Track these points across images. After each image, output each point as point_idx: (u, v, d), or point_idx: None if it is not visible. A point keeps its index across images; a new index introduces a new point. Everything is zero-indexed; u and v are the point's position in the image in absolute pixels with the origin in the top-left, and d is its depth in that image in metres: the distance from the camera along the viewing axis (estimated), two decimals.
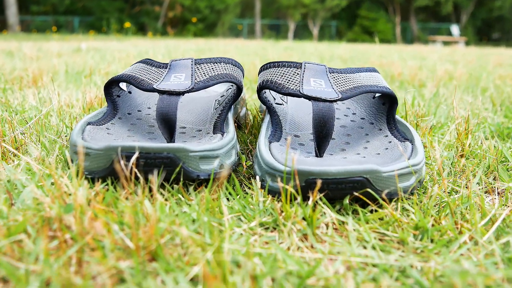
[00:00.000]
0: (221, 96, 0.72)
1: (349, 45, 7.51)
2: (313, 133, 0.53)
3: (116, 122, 0.62)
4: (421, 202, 0.50)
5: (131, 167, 0.46)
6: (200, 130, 0.62)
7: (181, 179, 0.48)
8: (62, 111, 0.87)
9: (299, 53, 3.63)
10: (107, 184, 0.50)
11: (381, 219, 0.45)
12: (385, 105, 0.66)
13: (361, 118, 0.67)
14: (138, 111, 0.67)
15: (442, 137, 0.78)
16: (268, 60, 2.55)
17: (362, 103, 0.70)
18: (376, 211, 0.47)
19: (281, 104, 0.70)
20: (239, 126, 0.78)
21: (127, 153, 0.46)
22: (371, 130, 0.63)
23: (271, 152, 0.52)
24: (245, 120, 0.80)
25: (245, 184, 0.54)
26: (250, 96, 1.19)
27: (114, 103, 0.66)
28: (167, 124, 0.53)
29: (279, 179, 0.47)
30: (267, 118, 0.63)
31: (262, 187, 0.50)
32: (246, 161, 0.57)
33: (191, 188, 0.49)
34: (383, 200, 0.46)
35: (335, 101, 0.54)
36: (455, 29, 14.53)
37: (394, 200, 0.48)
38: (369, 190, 0.46)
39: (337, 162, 0.50)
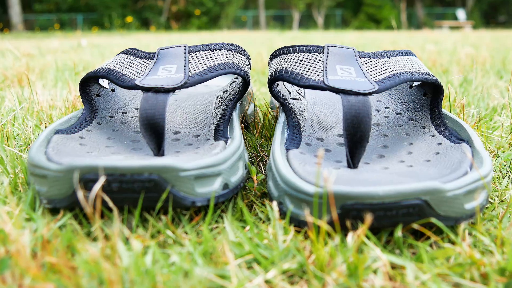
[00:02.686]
0: (224, 92, 0.59)
1: (356, 33, 7.35)
2: (344, 137, 0.40)
3: (94, 128, 0.50)
4: (495, 228, 0.37)
5: (100, 195, 0.34)
6: (198, 136, 0.49)
7: (170, 207, 0.35)
8: (42, 113, 0.74)
9: (308, 42, 3.48)
10: (75, 216, 0.37)
11: (447, 257, 0.32)
12: (427, 96, 0.53)
13: (397, 113, 0.54)
14: (123, 113, 0.55)
15: (489, 132, 0.64)
16: None
17: (396, 94, 0.57)
18: (437, 244, 0.34)
19: (298, 99, 0.57)
20: (246, 127, 0.65)
21: (93, 176, 0.33)
22: (412, 128, 0.50)
23: (289, 164, 0.40)
24: (253, 118, 0.67)
25: (256, 205, 0.42)
26: (258, 90, 1.06)
27: (92, 104, 0.53)
28: (153, 130, 0.41)
29: (306, 211, 0.34)
30: (282, 117, 0.51)
31: (281, 212, 0.37)
32: (257, 175, 0.45)
33: (184, 219, 0.36)
34: (442, 226, 0.34)
35: (371, 93, 0.42)
36: (461, 13, 14.30)
37: (453, 226, 0.36)
38: (427, 214, 0.33)
39: (379, 176, 0.38)
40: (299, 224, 0.35)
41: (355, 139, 0.40)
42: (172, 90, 0.42)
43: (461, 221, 0.35)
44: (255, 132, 0.62)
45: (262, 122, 0.66)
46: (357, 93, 0.41)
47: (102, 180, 0.32)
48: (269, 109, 0.69)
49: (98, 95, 0.55)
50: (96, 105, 0.54)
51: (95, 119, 0.52)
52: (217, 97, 0.58)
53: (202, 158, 0.38)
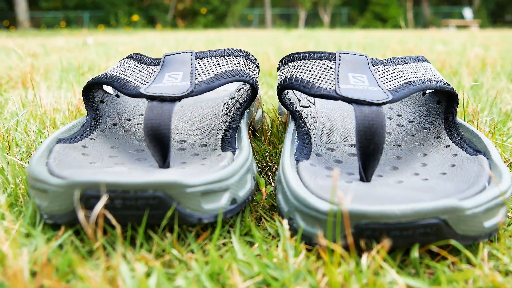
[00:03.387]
0: (231, 98, 0.57)
1: (363, 32, 7.31)
2: (357, 149, 0.39)
3: (97, 136, 0.48)
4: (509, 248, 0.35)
5: (103, 213, 0.32)
6: (205, 145, 0.47)
7: (176, 225, 0.34)
8: (46, 117, 0.73)
9: (314, 41, 3.46)
10: (77, 232, 0.36)
11: (465, 280, 0.31)
12: (441, 104, 0.52)
13: (410, 122, 0.52)
14: (127, 120, 0.53)
15: (504, 139, 0.63)
16: (282, 50, 2.39)
17: (409, 102, 0.56)
18: (455, 264, 0.33)
19: (307, 107, 0.55)
20: (253, 134, 0.63)
21: (94, 193, 0.32)
22: (426, 138, 0.49)
23: (300, 177, 0.38)
24: (261, 125, 0.65)
25: (265, 219, 0.40)
26: (265, 93, 1.04)
27: (96, 111, 0.52)
28: (159, 142, 0.39)
29: (318, 229, 0.33)
30: (291, 126, 0.49)
31: (291, 228, 0.35)
32: (266, 186, 0.43)
33: (190, 236, 0.35)
34: (461, 248, 0.32)
35: (385, 103, 0.40)
36: (468, 12, 14.21)
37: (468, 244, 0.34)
38: (444, 234, 0.31)
39: (393, 192, 0.36)
40: (310, 242, 0.34)
41: (368, 151, 0.38)
42: (178, 99, 0.41)
43: (479, 240, 0.33)
44: (263, 139, 0.61)
45: (270, 128, 0.65)
46: (370, 103, 0.39)
47: (104, 198, 0.31)
48: (277, 115, 0.68)
49: (102, 101, 0.53)
50: (100, 112, 0.52)
51: (99, 126, 0.50)
52: (224, 104, 0.56)
53: (209, 172, 0.36)
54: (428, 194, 0.35)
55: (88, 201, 0.32)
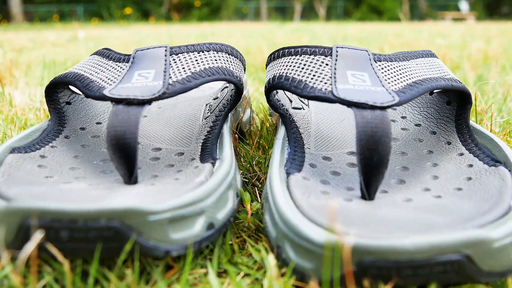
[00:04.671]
0: (214, 99, 0.51)
1: (359, 24, 7.24)
2: (358, 161, 0.32)
3: (60, 144, 0.42)
4: None
5: (48, 244, 0.26)
6: (182, 154, 0.41)
7: (136, 261, 0.28)
8: (17, 119, 0.67)
9: (309, 35, 3.40)
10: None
11: None
12: (451, 105, 0.46)
13: (416, 125, 0.46)
14: (97, 123, 0.47)
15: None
16: (276, 44, 2.32)
17: (414, 102, 0.49)
18: None
19: (300, 109, 0.49)
20: (241, 137, 0.57)
21: (35, 223, 0.26)
22: (435, 144, 0.43)
23: (290, 195, 0.32)
24: (249, 126, 0.59)
25: (250, 244, 0.34)
26: (256, 89, 0.97)
27: (60, 114, 0.46)
28: (123, 153, 0.33)
29: (311, 264, 0.27)
30: (281, 132, 0.43)
31: (279, 258, 0.29)
32: (251, 203, 0.37)
33: (157, 271, 0.29)
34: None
35: (390, 106, 0.34)
36: (464, 4, 14.14)
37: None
38: (467, 271, 0.25)
39: (402, 214, 0.30)
40: (302, 279, 0.28)
41: (371, 164, 0.32)
42: (148, 101, 0.35)
43: (508, 275, 0.27)
44: (251, 142, 0.54)
45: (259, 130, 0.58)
46: (373, 107, 0.33)
47: (39, 233, 0.25)
48: (268, 116, 0.61)
49: (68, 103, 0.47)
50: (65, 115, 0.46)
51: (63, 132, 0.44)
52: (206, 105, 0.50)
53: (181, 191, 0.30)
54: (443, 218, 0.29)
55: (29, 232, 0.26)
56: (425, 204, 0.32)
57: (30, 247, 0.25)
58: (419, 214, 0.30)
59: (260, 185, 0.44)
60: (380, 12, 17.50)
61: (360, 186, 0.33)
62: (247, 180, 0.45)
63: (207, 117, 0.47)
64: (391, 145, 0.38)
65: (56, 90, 0.46)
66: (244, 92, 0.56)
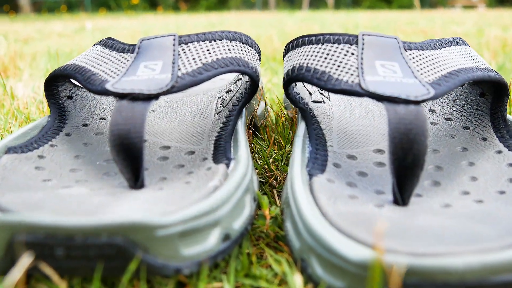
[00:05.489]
0: (227, 92, 0.47)
1: (369, 13, 7.16)
2: (390, 162, 0.29)
3: (60, 142, 0.39)
4: None
5: (41, 264, 0.23)
6: (193, 153, 0.38)
7: (143, 280, 0.24)
8: (19, 113, 0.64)
9: (319, 23, 3.34)
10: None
11: None
12: (485, 97, 0.42)
13: (446, 119, 0.43)
14: (101, 119, 0.44)
15: None
16: (286, 33, 2.28)
17: None
18: None
19: (320, 102, 0.45)
20: (255, 131, 0.53)
21: (26, 238, 0.22)
22: (469, 140, 0.39)
23: (315, 200, 0.29)
24: (264, 120, 0.55)
25: (269, 254, 0.31)
26: (269, 80, 0.94)
27: (61, 109, 0.43)
28: (128, 154, 0.30)
29: (343, 283, 0.23)
30: (301, 128, 0.39)
31: (305, 274, 0.26)
32: (270, 208, 0.34)
33: None
34: None
35: (425, 100, 0.30)
36: None
37: None
38: None
39: (441, 223, 0.26)
40: None
41: (406, 165, 0.29)
42: (155, 96, 0.31)
43: None
44: (266, 138, 0.51)
45: (274, 125, 0.55)
46: (407, 101, 0.30)
47: (25, 261, 0.22)
48: (284, 109, 0.58)
49: (70, 97, 0.44)
50: (66, 111, 0.43)
51: (64, 129, 0.41)
52: (218, 98, 0.46)
53: (192, 199, 0.27)
54: (490, 228, 0.26)
55: (19, 249, 0.23)
56: (466, 210, 0.29)
57: (16, 273, 0.21)
58: (462, 222, 0.26)
59: (277, 185, 0.41)
60: (389, 1, 17.33)
61: (393, 189, 0.30)
62: (263, 180, 0.42)
63: (220, 111, 0.43)
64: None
65: (56, 83, 0.43)
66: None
